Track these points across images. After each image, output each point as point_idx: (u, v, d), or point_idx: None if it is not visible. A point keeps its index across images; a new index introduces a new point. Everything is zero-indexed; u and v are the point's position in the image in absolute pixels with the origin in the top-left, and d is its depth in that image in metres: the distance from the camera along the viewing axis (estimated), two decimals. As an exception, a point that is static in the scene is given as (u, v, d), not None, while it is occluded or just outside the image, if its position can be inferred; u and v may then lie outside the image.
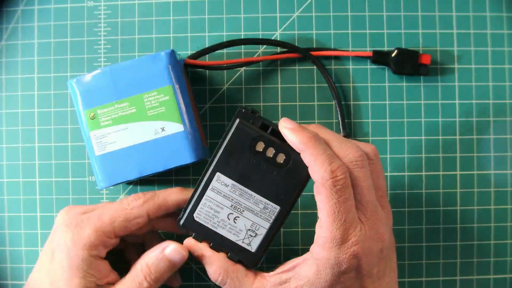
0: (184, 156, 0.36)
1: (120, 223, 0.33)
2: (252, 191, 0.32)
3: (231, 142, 0.32)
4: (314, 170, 0.30)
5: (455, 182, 0.41)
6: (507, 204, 0.41)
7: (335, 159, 0.30)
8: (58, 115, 0.42)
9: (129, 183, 0.41)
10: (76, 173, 0.42)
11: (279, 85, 0.42)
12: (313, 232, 0.31)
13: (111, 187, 0.41)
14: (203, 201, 0.33)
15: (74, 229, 0.33)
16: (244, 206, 0.33)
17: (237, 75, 0.42)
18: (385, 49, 0.41)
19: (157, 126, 0.36)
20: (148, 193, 0.35)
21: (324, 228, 0.30)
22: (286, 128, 0.31)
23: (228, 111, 0.42)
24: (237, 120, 0.32)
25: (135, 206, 0.34)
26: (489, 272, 0.41)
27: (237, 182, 0.32)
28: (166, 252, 0.33)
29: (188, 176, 0.41)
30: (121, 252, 0.38)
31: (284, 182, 0.32)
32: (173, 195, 0.35)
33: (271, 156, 0.32)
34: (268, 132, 0.32)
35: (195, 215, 0.33)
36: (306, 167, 0.31)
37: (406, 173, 0.41)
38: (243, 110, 0.32)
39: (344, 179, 0.30)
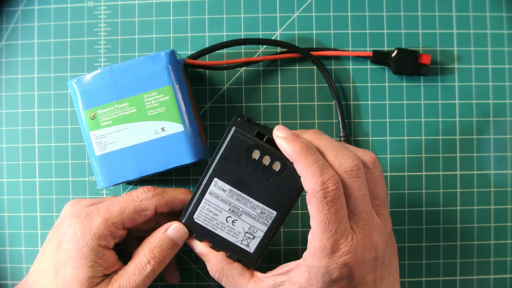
0: (184, 156, 0.36)
1: (128, 214, 0.33)
2: (249, 196, 0.33)
3: (227, 150, 0.33)
4: (305, 181, 0.30)
5: (455, 182, 0.41)
6: (507, 204, 0.41)
7: (327, 169, 0.30)
8: (58, 115, 0.42)
9: (129, 183, 0.41)
10: (76, 173, 0.42)
11: (279, 85, 0.42)
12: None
13: (111, 187, 0.41)
14: (202, 204, 0.33)
15: (83, 220, 0.33)
16: (242, 210, 0.33)
17: (237, 75, 0.42)
18: (385, 49, 0.41)
19: (157, 126, 0.36)
20: (157, 188, 0.35)
21: (315, 238, 0.30)
22: (280, 137, 0.31)
23: (228, 111, 0.42)
24: (233, 129, 0.32)
25: (144, 198, 0.34)
26: (489, 272, 0.41)
27: (234, 188, 0.33)
28: (169, 232, 0.34)
29: (188, 176, 0.41)
30: (123, 245, 0.38)
31: (281, 189, 0.32)
32: (181, 194, 0.35)
33: (267, 164, 0.32)
34: (263, 140, 0.32)
35: (195, 216, 0.34)
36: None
37: (406, 173, 0.41)
38: (239, 119, 0.33)
39: (336, 190, 0.29)
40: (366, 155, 0.32)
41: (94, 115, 0.36)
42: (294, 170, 0.31)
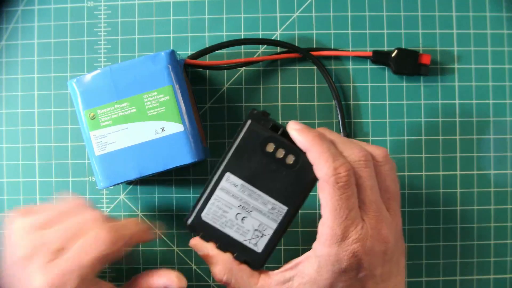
0: (184, 156, 0.36)
1: (101, 263, 0.32)
2: (260, 191, 0.33)
3: (242, 142, 0.33)
4: (318, 168, 0.31)
5: (455, 182, 0.41)
6: (507, 204, 0.41)
7: (339, 157, 0.30)
8: (58, 115, 0.42)
9: (129, 183, 0.41)
10: (76, 173, 0.42)
11: (279, 85, 0.42)
12: (314, 232, 0.31)
13: (111, 187, 0.41)
14: (211, 200, 0.33)
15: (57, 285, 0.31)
16: (252, 206, 0.33)
17: (237, 75, 0.42)
18: (385, 49, 0.41)
19: (157, 126, 0.36)
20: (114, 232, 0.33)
21: (326, 225, 0.30)
22: (293, 129, 0.32)
23: (228, 111, 0.42)
24: (249, 121, 0.33)
25: (110, 251, 0.32)
26: (489, 272, 0.41)
27: (247, 182, 0.33)
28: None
29: (188, 176, 0.41)
30: None
31: (293, 183, 0.33)
32: (134, 228, 0.34)
33: (281, 157, 0.32)
34: (278, 133, 0.33)
35: (203, 215, 0.33)
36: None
37: (406, 173, 0.41)
38: (255, 112, 0.33)
39: (347, 176, 0.30)
40: (377, 149, 0.33)
41: (94, 115, 0.36)
42: (307, 163, 0.31)
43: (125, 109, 0.36)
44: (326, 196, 0.30)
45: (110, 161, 0.36)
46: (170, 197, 0.41)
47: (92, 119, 0.36)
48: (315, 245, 0.31)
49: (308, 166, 0.31)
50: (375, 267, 0.31)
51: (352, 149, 0.31)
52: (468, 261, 0.41)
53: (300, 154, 0.32)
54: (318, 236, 0.31)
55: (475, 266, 0.41)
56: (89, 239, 0.32)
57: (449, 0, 0.42)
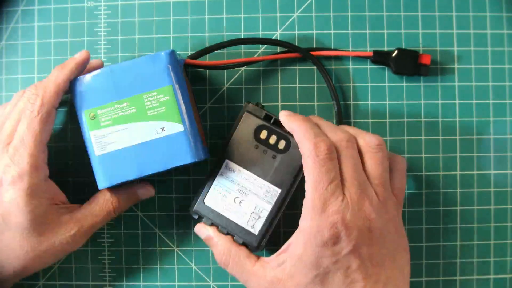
0: (184, 156, 0.36)
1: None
2: (256, 175, 0.36)
3: (238, 131, 0.36)
4: (301, 145, 0.33)
5: (455, 182, 0.41)
6: (507, 204, 0.41)
7: (320, 134, 0.32)
8: (58, 114, 0.42)
9: (129, 183, 0.41)
10: (76, 173, 0.41)
11: (279, 85, 0.42)
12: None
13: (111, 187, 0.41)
14: (213, 186, 0.36)
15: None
16: (249, 190, 0.36)
17: (237, 75, 0.42)
18: (385, 49, 0.41)
19: (157, 126, 0.36)
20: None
21: (307, 198, 0.31)
22: (283, 115, 0.35)
23: (228, 111, 0.42)
24: (244, 112, 0.36)
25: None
26: (489, 272, 0.41)
27: (243, 168, 0.36)
28: (139, 192, 0.38)
29: (188, 176, 0.41)
30: None
31: (285, 166, 0.36)
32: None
33: (273, 143, 0.36)
34: (271, 122, 0.36)
35: (205, 199, 0.36)
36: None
37: (406, 173, 0.41)
38: (249, 104, 0.37)
39: (327, 150, 0.31)
40: (372, 137, 0.34)
41: (94, 115, 0.36)
42: (296, 147, 0.34)
43: (125, 109, 0.36)
44: (308, 170, 0.32)
45: (110, 161, 0.36)
46: (170, 197, 0.41)
47: (92, 119, 0.36)
48: (299, 221, 0.32)
49: (298, 150, 0.34)
50: (360, 245, 0.31)
51: (335, 131, 0.33)
52: (468, 261, 0.41)
53: (290, 139, 0.36)
54: (302, 212, 0.32)
55: (475, 266, 0.41)
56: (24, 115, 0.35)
57: (449, 0, 0.42)
